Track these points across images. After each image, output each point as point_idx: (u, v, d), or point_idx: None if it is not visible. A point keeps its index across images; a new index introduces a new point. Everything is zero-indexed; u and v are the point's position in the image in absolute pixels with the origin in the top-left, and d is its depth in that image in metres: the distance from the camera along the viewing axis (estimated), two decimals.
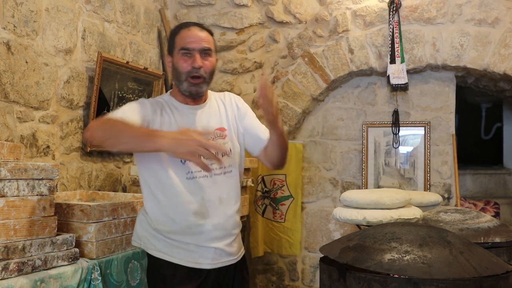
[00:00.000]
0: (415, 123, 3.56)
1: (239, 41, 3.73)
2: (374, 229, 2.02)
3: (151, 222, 1.91)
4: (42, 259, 1.78)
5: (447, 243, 1.85)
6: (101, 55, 2.84)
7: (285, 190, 3.57)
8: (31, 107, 2.50)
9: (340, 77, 3.56)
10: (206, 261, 1.88)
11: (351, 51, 3.49)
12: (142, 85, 3.34)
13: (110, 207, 2.15)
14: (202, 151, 1.62)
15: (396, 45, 3.34)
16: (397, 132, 3.53)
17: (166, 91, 3.59)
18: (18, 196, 1.74)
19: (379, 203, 2.27)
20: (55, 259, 1.83)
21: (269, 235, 3.61)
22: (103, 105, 2.96)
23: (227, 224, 1.92)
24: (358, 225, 2.53)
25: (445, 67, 3.43)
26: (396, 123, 3.53)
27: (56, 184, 2.43)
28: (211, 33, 1.94)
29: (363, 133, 3.64)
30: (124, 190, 3.23)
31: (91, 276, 1.96)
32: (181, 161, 1.84)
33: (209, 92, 2.01)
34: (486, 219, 2.34)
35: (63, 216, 2.04)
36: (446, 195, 3.51)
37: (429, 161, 3.52)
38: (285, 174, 3.61)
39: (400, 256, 1.79)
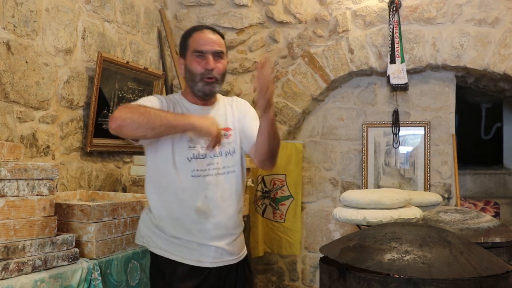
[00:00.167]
0: (415, 123, 3.56)
1: (239, 41, 3.73)
2: (374, 229, 2.02)
3: (154, 219, 1.94)
4: (42, 259, 1.78)
5: (447, 243, 1.85)
6: (101, 55, 2.84)
7: (285, 190, 3.57)
8: (31, 107, 2.50)
9: (340, 77, 3.56)
10: (207, 260, 1.90)
11: (351, 51, 3.49)
12: (142, 85, 3.34)
13: (110, 207, 2.15)
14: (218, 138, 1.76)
15: (396, 45, 3.34)
16: (397, 132, 3.53)
17: (166, 91, 3.61)
18: (18, 196, 1.74)
19: (379, 203, 2.27)
20: (55, 259, 1.83)
21: (269, 235, 3.61)
22: (103, 105, 2.96)
23: (228, 223, 1.95)
24: (358, 225, 2.53)
25: (445, 67, 3.43)
26: (396, 123, 3.53)
27: (56, 184, 2.43)
28: (223, 37, 2.00)
29: (363, 133, 3.64)
30: (124, 190, 3.23)
31: (91, 276, 1.96)
32: (187, 158, 1.88)
33: (218, 95, 2.05)
34: (486, 219, 2.34)
35: (63, 216, 2.04)
36: (446, 195, 3.51)
37: (429, 161, 3.52)
38: (285, 174, 3.61)
39: (400, 256, 1.79)
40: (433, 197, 2.82)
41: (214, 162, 1.91)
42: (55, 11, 2.64)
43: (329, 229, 3.74)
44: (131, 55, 3.32)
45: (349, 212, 2.34)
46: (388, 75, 3.37)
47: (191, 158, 1.88)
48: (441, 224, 2.32)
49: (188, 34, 1.97)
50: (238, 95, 3.51)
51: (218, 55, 1.92)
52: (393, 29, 3.35)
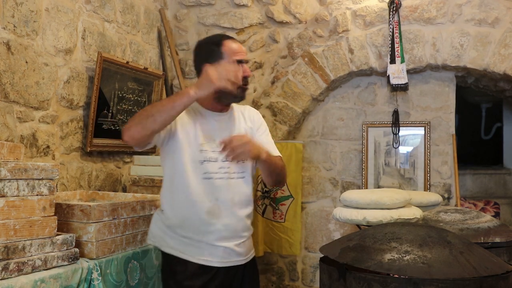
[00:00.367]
0: (415, 123, 3.56)
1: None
2: (374, 229, 2.02)
3: (166, 220, 2.02)
4: (42, 259, 1.78)
5: (447, 243, 1.85)
6: (101, 55, 2.84)
7: (285, 190, 3.56)
8: (31, 107, 2.50)
9: (340, 77, 3.56)
10: (216, 259, 1.99)
11: (351, 51, 3.49)
12: (142, 85, 3.34)
13: (110, 207, 2.15)
14: (223, 81, 1.83)
15: (396, 45, 3.34)
16: (397, 132, 3.53)
17: (166, 91, 3.61)
18: (18, 196, 1.74)
19: (379, 203, 2.27)
20: (55, 259, 1.84)
21: (269, 235, 3.60)
22: (103, 105, 2.96)
23: (237, 226, 2.03)
24: (358, 225, 2.53)
25: (445, 67, 3.43)
26: (396, 123, 3.53)
27: (56, 184, 2.43)
28: None
29: (363, 133, 3.64)
30: (124, 190, 3.23)
31: (91, 276, 1.96)
32: (199, 161, 1.96)
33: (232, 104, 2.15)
34: (486, 219, 2.34)
35: (63, 216, 2.04)
36: (446, 195, 3.51)
37: (429, 161, 3.52)
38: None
39: (400, 256, 1.79)
40: (433, 197, 2.82)
41: (225, 166, 2.00)
42: (55, 11, 2.64)
43: (329, 229, 3.74)
44: (131, 55, 3.32)
45: (349, 212, 2.34)
46: (388, 75, 3.37)
47: (203, 161, 1.97)
48: (441, 224, 2.32)
49: (217, 42, 2.06)
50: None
51: (245, 63, 2.07)
52: (393, 29, 3.35)
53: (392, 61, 3.35)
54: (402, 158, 3.59)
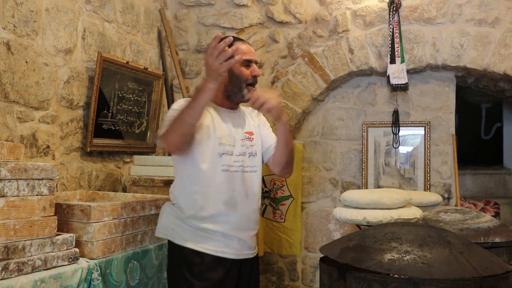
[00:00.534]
0: (415, 123, 3.56)
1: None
2: (374, 229, 2.02)
3: (180, 212, 2.07)
4: (42, 259, 1.78)
5: (447, 243, 1.85)
6: (101, 55, 2.84)
7: (285, 190, 3.56)
8: (31, 107, 2.50)
9: (340, 77, 3.56)
10: (231, 251, 2.06)
11: (351, 51, 3.49)
12: (142, 85, 3.34)
13: (110, 207, 2.15)
14: (221, 59, 1.80)
15: (396, 45, 3.33)
16: (397, 132, 3.53)
17: (166, 91, 3.61)
18: (18, 196, 1.74)
19: (379, 203, 2.27)
20: (55, 259, 1.84)
21: (269, 235, 3.60)
22: (103, 105, 2.96)
23: (251, 218, 2.13)
24: (358, 225, 2.53)
25: (445, 67, 3.43)
26: (396, 123, 3.53)
27: (56, 184, 2.43)
28: None
29: (363, 133, 3.64)
30: (124, 190, 3.23)
31: (91, 276, 1.96)
32: (218, 153, 2.05)
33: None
34: (486, 219, 2.34)
35: (63, 216, 2.04)
36: (446, 195, 3.51)
37: (429, 161, 3.52)
38: None
39: (400, 256, 1.79)
40: (433, 197, 2.82)
41: (240, 160, 2.10)
42: (55, 11, 2.64)
43: (329, 229, 3.74)
44: (131, 55, 3.32)
45: (349, 212, 2.34)
46: (388, 75, 3.37)
47: (222, 153, 2.05)
48: (441, 224, 2.32)
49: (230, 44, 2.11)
50: None
51: (255, 63, 2.15)
52: (393, 29, 3.35)
53: (392, 61, 3.34)
54: (402, 158, 3.59)
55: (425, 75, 3.57)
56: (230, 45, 2.03)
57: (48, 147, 2.62)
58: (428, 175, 3.51)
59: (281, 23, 3.66)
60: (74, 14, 2.78)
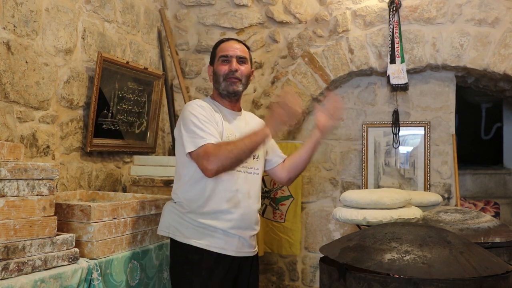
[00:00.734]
0: (415, 123, 3.56)
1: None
2: (374, 229, 2.02)
3: (183, 209, 2.11)
4: (42, 259, 1.78)
5: (447, 243, 1.85)
6: (101, 55, 2.84)
7: (285, 190, 3.56)
8: (31, 107, 2.50)
9: (340, 77, 3.56)
10: (231, 248, 2.10)
11: (351, 51, 3.49)
12: (142, 85, 3.34)
13: (110, 207, 2.15)
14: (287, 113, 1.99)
15: (396, 45, 3.34)
16: (397, 132, 3.53)
17: (166, 91, 3.61)
18: (18, 196, 1.74)
19: (379, 203, 2.26)
20: (55, 259, 1.84)
21: (269, 235, 3.60)
22: (103, 105, 2.96)
23: (252, 217, 2.17)
24: (358, 225, 2.53)
25: (445, 67, 3.43)
26: (396, 123, 3.53)
27: (56, 184, 2.43)
28: (247, 47, 2.29)
29: (363, 133, 3.64)
30: (124, 190, 3.23)
31: (91, 276, 1.96)
32: None
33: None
34: (486, 219, 2.34)
35: (63, 216, 2.04)
36: (446, 195, 3.51)
37: (429, 161, 3.52)
38: None
39: (400, 256, 1.79)
40: (433, 197, 2.81)
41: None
42: (55, 11, 2.64)
43: (329, 229, 3.74)
44: (131, 55, 3.32)
45: (349, 212, 2.34)
46: (388, 75, 3.37)
47: None
48: (441, 224, 2.32)
49: (216, 45, 2.28)
50: None
51: (241, 60, 2.20)
52: (393, 29, 3.35)
53: (392, 61, 3.34)
54: (402, 158, 3.59)
55: (425, 75, 3.57)
56: (216, 46, 2.24)
57: (48, 147, 2.62)
58: (428, 175, 3.51)
59: (281, 23, 3.66)
60: (74, 14, 2.78)
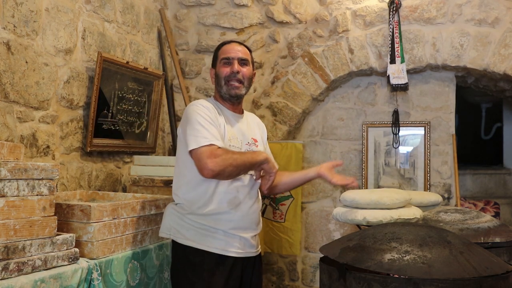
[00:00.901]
0: (415, 123, 3.56)
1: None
2: (374, 229, 2.02)
3: (184, 211, 2.12)
4: (42, 259, 1.78)
5: (447, 243, 1.85)
6: (101, 55, 2.84)
7: None
8: (31, 107, 2.50)
9: (340, 77, 3.56)
10: (232, 249, 2.10)
11: (351, 51, 3.49)
12: (142, 85, 3.34)
13: (110, 207, 2.15)
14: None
15: (396, 45, 3.34)
16: (397, 132, 3.53)
17: (166, 91, 3.61)
18: (18, 196, 1.74)
19: (379, 203, 2.26)
20: (55, 259, 1.83)
21: (269, 235, 3.61)
22: (103, 105, 2.96)
23: (252, 218, 2.18)
24: (358, 225, 2.53)
25: (445, 67, 3.43)
26: (396, 123, 3.53)
27: (56, 184, 2.43)
28: (249, 49, 2.30)
29: (363, 133, 3.64)
30: (124, 190, 3.23)
31: (91, 276, 1.96)
32: None
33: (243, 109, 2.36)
34: (486, 219, 2.34)
35: (63, 216, 2.04)
36: (446, 195, 3.51)
37: (429, 161, 3.52)
38: None
39: (400, 256, 1.79)
40: (433, 197, 2.81)
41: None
42: (55, 11, 2.64)
43: (329, 229, 3.74)
44: (131, 55, 3.32)
45: (349, 212, 2.34)
46: (388, 75, 3.37)
47: None
48: (441, 224, 2.32)
49: (218, 48, 2.29)
50: None
51: (243, 62, 2.21)
52: (393, 29, 3.35)
53: (392, 61, 3.35)
54: (402, 158, 3.60)
55: (425, 75, 3.57)
56: (218, 49, 2.27)
57: (48, 147, 2.62)
58: (428, 175, 3.51)
59: (281, 23, 3.66)
60: (74, 14, 2.78)
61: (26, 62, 2.45)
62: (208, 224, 2.08)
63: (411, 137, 3.59)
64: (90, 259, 2.01)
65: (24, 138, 2.46)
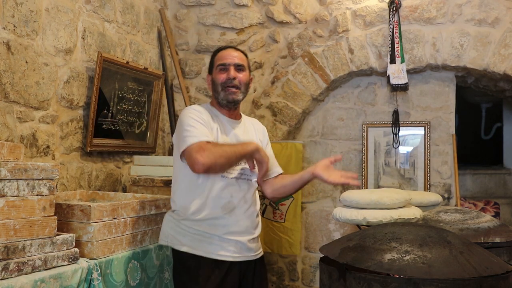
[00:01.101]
0: (415, 123, 3.56)
1: (239, 41, 3.73)
2: (374, 229, 2.02)
3: (179, 217, 2.12)
4: (42, 259, 1.78)
5: (447, 243, 1.85)
6: (101, 55, 2.84)
7: None
8: (31, 107, 2.50)
9: (340, 77, 3.56)
10: (228, 254, 2.09)
11: (351, 51, 3.49)
12: (142, 85, 3.34)
13: (110, 207, 2.15)
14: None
15: (396, 45, 3.33)
16: (397, 132, 3.53)
17: (166, 91, 3.61)
18: (18, 196, 1.74)
19: (379, 203, 2.26)
20: (55, 259, 1.83)
21: (269, 235, 3.60)
22: (103, 105, 2.96)
23: (248, 222, 2.16)
24: (358, 225, 2.53)
25: (445, 67, 3.43)
26: (396, 123, 3.53)
27: (56, 184, 2.43)
28: (245, 55, 2.29)
29: (363, 133, 3.64)
30: (124, 190, 3.23)
31: (91, 276, 1.96)
32: None
33: (242, 114, 2.34)
34: (486, 219, 2.34)
35: (63, 216, 2.04)
36: (446, 195, 3.51)
37: (429, 161, 3.52)
38: None
39: (400, 256, 1.79)
40: (433, 197, 2.81)
41: (238, 168, 2.15)
42: (55, 11, 2.64)
43: (329, 229, 3.74)
44: (131, 55, 3.32)
45: (349, 212, 2.34)
46: (388, 75, 3.37)
47: None
48: (441, 224, 2.32)
49: (214, 54, 2.28)
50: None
51: (239, 67, 2.20)
52: (393, 29, 3.35)
53: (392, 61, 3.34)
54: (402, 158, 3.59)
55: (425, 75, 3.57)
56: (214, 55, 2.26)
57: (48, 147, 2.62)
58: (428, 175, 3.51)
59: (281, 23, 3.66)
60: (74, 14, 2.78)
61: (26, 62, 2.45)
62: (203, 229, 2.09)
63: (411, 137, 3.59)
64: (90, 259, 2.01)
65: (24, 138, 2.46)
